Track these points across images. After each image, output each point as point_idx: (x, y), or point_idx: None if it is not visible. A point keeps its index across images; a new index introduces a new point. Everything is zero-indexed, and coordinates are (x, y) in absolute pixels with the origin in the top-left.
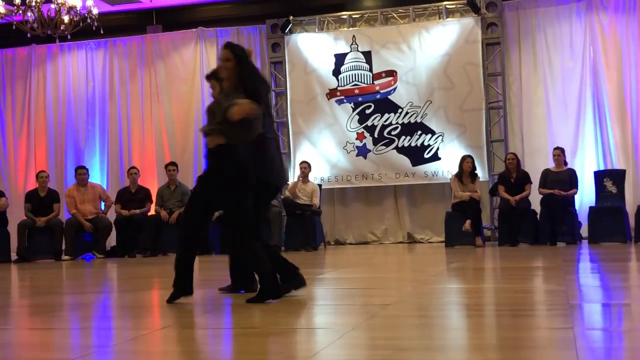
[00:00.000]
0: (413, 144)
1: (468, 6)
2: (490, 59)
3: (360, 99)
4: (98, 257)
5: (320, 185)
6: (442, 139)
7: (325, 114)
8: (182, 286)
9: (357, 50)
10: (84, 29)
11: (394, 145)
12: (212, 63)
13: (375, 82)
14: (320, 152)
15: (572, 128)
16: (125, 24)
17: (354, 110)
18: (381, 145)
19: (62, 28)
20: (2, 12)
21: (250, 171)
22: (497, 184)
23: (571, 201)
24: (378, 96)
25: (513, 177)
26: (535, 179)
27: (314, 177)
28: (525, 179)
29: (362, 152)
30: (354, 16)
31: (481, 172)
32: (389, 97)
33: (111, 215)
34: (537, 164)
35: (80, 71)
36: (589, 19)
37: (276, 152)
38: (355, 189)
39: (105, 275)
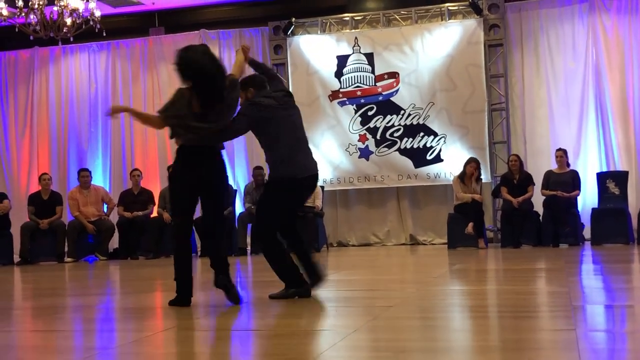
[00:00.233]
0: (415, 146)
1: (470, 8)
2: (492, 61)
3: (362, 100)
4: (101, 259)
5: (322, 187)
6: (444, 141)
7: (328, 115)
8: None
9: (360, 52)
10: (87, 32)
11: (396, 147)
12: None
13: (378, 84)
14: (323, 153)
15: (574, 129)
16: (127, 26)
17: (356, 112)
18: (383, 147)
19: (64, 30)
20: (4, 14)
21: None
22: (499, 186)
23: (574, 203)
24: (380, 98)
25: (516, 179)
26: (538, 180)
27: None
28: (527, 180)
29: (365, 153)
30: (356, 18)
31: (484, 174)
32: (391, 98)
33: (114, 218)
34: (539, 165)
35: (82, 73)
36: (591, 20)
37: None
38: (357, 191)
39: (108, 277)
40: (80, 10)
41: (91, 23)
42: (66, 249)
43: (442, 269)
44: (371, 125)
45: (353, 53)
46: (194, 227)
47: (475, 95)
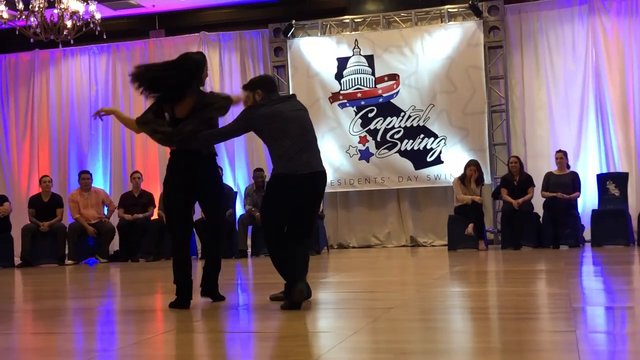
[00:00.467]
0: (416, 148)
1: (470, 10)
2: (492, 62)
3: (362, 102)
4: (101, 261)
5: None
6: (444, 143)
7: (328, 117)
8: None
9: (360, 54)
10: (87, 34)
11: (396, 149)
12: (215, 67)
13: (378, 86)
14: (323, 155)
15: (574, 131)
16: (128, 28)
17: (356, 114)
18: (384, 148)
19: (65, 33)
20: (5, 17)
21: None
22: (499, 187)
23: (574, 204)
24: (380, 100)
25: (516, 181)
26: (538, 182)
27: None
28: (528, 182)
29: (365, 155)
30: (356, 20)
31: (484, 176)
32: (392, 100)
33: (114, 220)
34: (539, 167)
35: (83, 76)
36: (591, 22)
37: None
38: (358, 193)
39: (108, 279)
40: (81, 13)
41: (91, 26)
42: (67, 251)
43: (442, 270)
44: (371, 127)
45: (353, 55)
46: (194, 229)
47: (475, 97)
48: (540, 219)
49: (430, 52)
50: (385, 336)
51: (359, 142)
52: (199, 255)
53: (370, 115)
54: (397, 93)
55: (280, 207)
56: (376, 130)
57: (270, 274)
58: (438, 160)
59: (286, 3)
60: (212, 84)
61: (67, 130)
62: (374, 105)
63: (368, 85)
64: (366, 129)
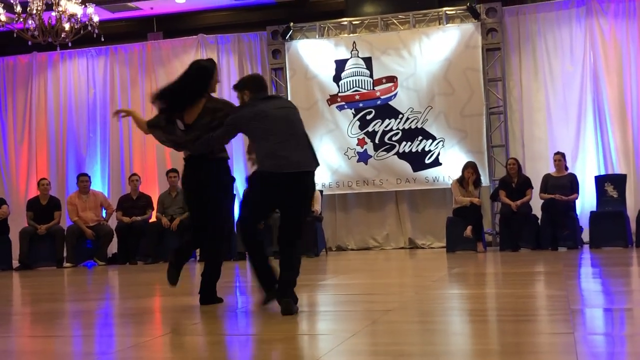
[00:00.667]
0: (414, 150)
1: (468, 12)
2: (490, 65)
3: (361, 104)
4: (99, 264)
5: (321, 191)
6: (442, 145)
7: (326, 119)
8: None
9: (358, 56)
10: (85, 37)
11: (394, 151)
12: None
13: (376, 88)
14: (321, 158)
15: (572, 133)
16: (126, 31)
17: (354, 116)
18: (382, 150)
19: (63, 36)
20: (3, 19)
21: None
22: (498, 189)
23: (572, 206)
24: (379, 102)
25: (514, 182)
26: (536, 184)
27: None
28: (526, 184)
29: (363, 157)
30: (354, 22)
31: (482, 178)
32: (390, 102)
33: (112, 223)
34: (538, 169)
35: (81, 78)
36: (589, 24)
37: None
38: (356, 195)
39: (107, 282)
40: (79, 16)
41: (89, 28)
42: (65, 254)
43: (441, 272)
44: (370, 129)
45: (351, 57)
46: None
47: (474, 99)
48: (539, 221)
49: (428, 54)
50: (383, 338)
51: (357, 144)
52: (197, 258)
53: (368, 117)
54: (395, 95)
55: (252, 203)
56: (374, 133)
57: None
58: (436, 162)
59: (284, 5)
60: None
61: (65, 133)
62: (372, 108)
63: (366, 88)
64: (364, 131)
